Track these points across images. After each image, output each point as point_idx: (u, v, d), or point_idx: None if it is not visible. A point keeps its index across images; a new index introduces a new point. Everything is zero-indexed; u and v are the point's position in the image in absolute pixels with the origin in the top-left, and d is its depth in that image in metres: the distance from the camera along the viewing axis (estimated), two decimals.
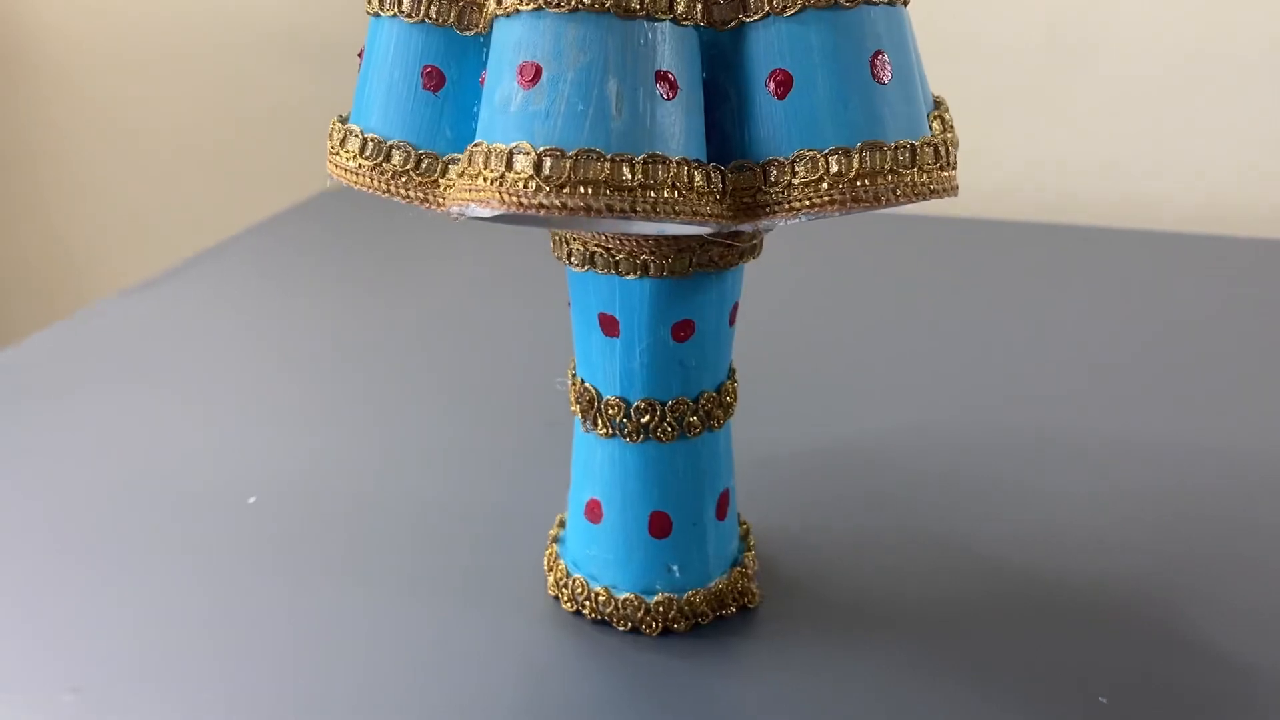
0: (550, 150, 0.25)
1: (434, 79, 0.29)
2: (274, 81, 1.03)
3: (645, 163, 0.25)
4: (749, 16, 0.27)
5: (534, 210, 0.25)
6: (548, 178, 0.25)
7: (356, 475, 0.46)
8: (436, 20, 0.29)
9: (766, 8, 0.27)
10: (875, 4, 0.27)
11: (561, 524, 0.40)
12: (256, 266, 0.73)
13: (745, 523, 0.40)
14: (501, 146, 0.25)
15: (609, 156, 0.25)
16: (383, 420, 0.51)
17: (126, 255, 1.09)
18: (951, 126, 0.32)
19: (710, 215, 0.27)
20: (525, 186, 0.25)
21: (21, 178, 1.10)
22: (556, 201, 0.25)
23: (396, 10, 0.29)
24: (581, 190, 0.25)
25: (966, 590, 0.39)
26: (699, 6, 0.27)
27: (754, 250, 0.34)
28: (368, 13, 0.30)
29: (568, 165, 0.25)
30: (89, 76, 1.04)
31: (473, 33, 0.29)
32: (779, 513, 0.43)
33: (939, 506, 0.44)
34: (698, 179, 0.26)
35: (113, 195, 1.08)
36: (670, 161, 0.26)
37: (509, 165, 0.25)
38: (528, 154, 0.25)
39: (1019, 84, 0.86)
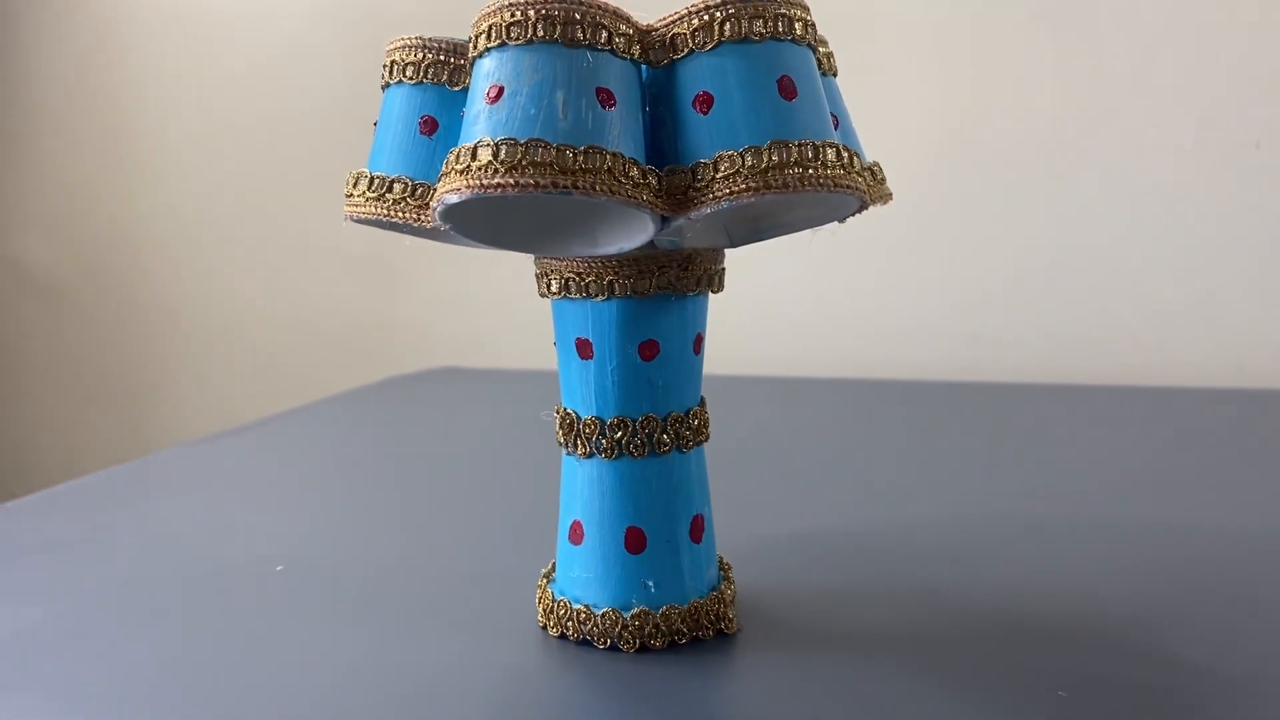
0: (505, 140, 0.30)
1: (429, 125, 0.36)
2: (338, 292, 1.15)
3: (586, 152, 0.31)
4: (678, 55, 0.33)
5: (493, 190, 0.30)
6: (503, 161, 0.30)
7: (370, 551, 0.50)
8: (433, 80, 0.36)
9: (691, 45, 0.33)
10: (781, 40, 0.33)
11: (554, 566, 0.42)
12: (307, 428, 0.79)
13: (727, 564, 0.42)
14: (468, 145, 0.31)
15: (555, 145, 0.30)
16: (394, 514, 0.55)
17: (206, 411, 1.26)
18: (883, 180, 0.38)
19: (646, 202, 0.32)
20: (484, 170, 0.30)
21: (132, 347, 1.29)
22: (510, 180, 0.30)
23: (402, 77, 0.36)
24: (531, 170, 0.30)
25: (943, 631, 0.40)
26: (636, 47, 0.33)
27: (711, 280, 0.38)
28: (382, 86, 0.37)
29: (520, 150, 0.30)
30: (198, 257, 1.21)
31: (459, 88, 0.35)
32: (768, 571, 0.45)
33: (920, 567, 0.46)
34: (634, 172, 0.31)
35: (201, 380, 1.24)
36: (607, 153, 0.31)
37: (474, 157, 0.31)
38: (488, 145, 0.30)
39: (1036, 266, 0.92)
